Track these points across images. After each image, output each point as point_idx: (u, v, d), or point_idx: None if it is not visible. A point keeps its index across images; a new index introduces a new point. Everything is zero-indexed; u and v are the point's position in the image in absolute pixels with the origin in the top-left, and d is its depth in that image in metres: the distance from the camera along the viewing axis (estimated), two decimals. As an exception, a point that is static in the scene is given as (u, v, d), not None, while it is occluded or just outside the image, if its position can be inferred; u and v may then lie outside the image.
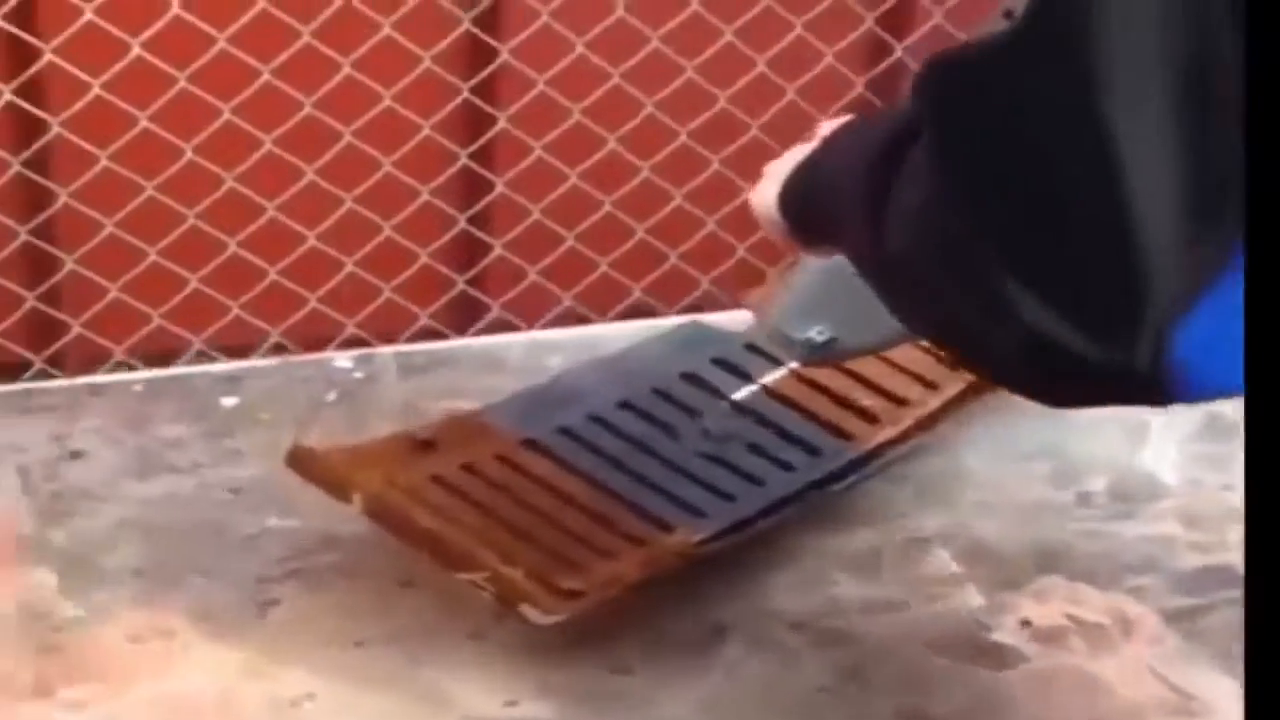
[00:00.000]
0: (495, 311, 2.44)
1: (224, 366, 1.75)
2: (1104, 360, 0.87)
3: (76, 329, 2.21)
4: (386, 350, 1.78)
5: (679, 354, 1.70)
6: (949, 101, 0.94)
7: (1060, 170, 0.88)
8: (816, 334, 1.32)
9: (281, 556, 1.49)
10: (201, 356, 2.14)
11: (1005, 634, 1.47)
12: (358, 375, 1.75)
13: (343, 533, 1.50)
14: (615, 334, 1.86)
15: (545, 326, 2.16)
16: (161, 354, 2.09)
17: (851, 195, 1.02)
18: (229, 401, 1.69)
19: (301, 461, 1.44)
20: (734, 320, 1.76)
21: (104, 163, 2.14)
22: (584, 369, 1.72)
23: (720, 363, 1.69)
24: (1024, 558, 1.57)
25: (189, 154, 2.17)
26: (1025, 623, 1.48)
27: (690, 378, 1.67)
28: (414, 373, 1.77)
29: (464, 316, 2.47)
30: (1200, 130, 0.86)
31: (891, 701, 1.39)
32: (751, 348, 1.71)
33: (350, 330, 2.30)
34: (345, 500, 1.43)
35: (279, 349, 2.13)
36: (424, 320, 2.37)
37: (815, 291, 1.29)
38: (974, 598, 1.51)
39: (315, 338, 2.08)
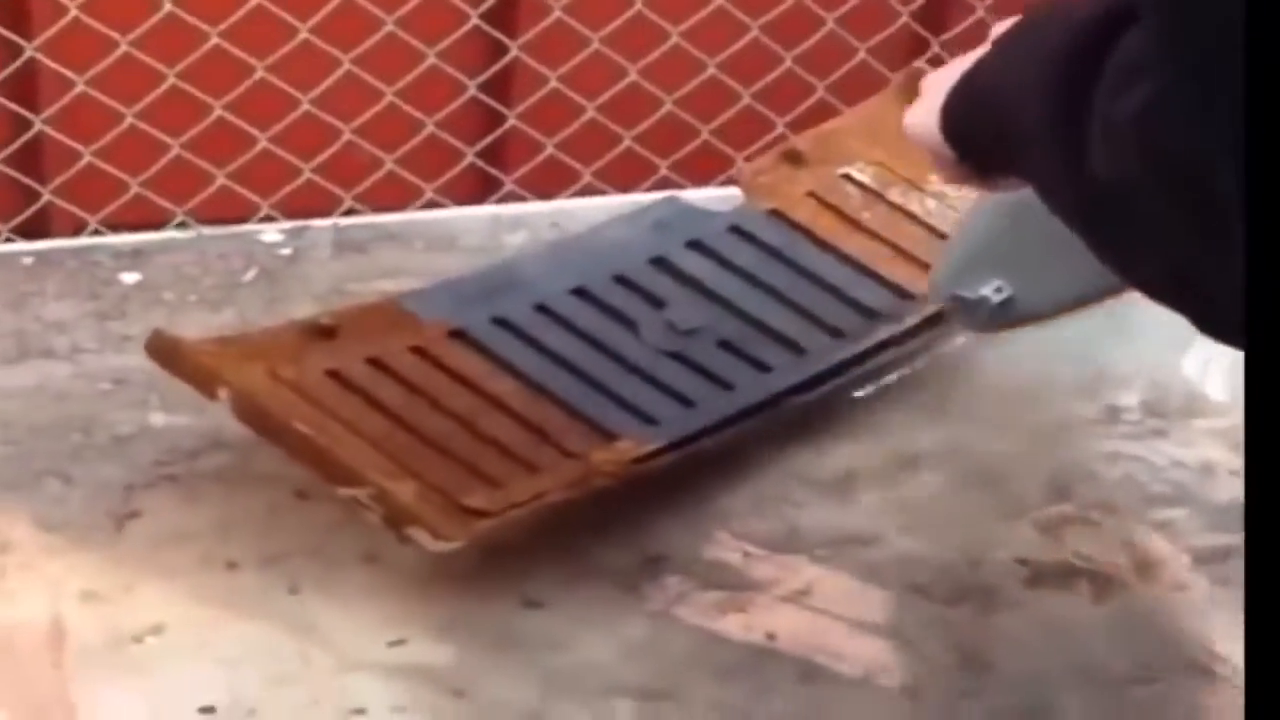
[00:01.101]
0: (508, 186, 2.25)
1: (130, 238, 1.55)
2: None
3: (46, 195, 2.05)
4: (323, 223, 1.57)
5: (650, 235, 1.48)
6: None
7: None
8: (993, 292, 1.12)
9: (157, 459, 1.30)
10: (182, 229, 1.97)
11: (996, 574, 1.26)
12: (284, 251, 1.54)
13: (235, 434, 1.29)
14: (589, 209, 1.64)
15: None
16: (145, 227, 1.92)
17: (1038, 109, 0.86)
18: (130, 278, 1.48)
19: (162, 351, 1.24)
20: (719, 198, 1.54)
21: (74, 13, 1.97)
22: (538, 250, 1.50)
23: (697, 246, 1.47)
24: (1031, 483, 1.35)
25: (168, 6, 1.99)
26: (1024, 561, 1.26)
27: (660, 263, 1.45)
28: (351, 250, 1.55)
29: (475, 193, 2.28)
30: None
31: (854, 654, 1.19)
32: (736, 229, 1.49)
33: (349, 204, 2.11)
34: (211, 396, 1.22)
35: (268, 221, 1.95)
36: (429, 195, 2.18)
37: (993, 237, 1.11)
38: (964, 530, 1.30)
39: (313, 213, 1.90)
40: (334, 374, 1.27)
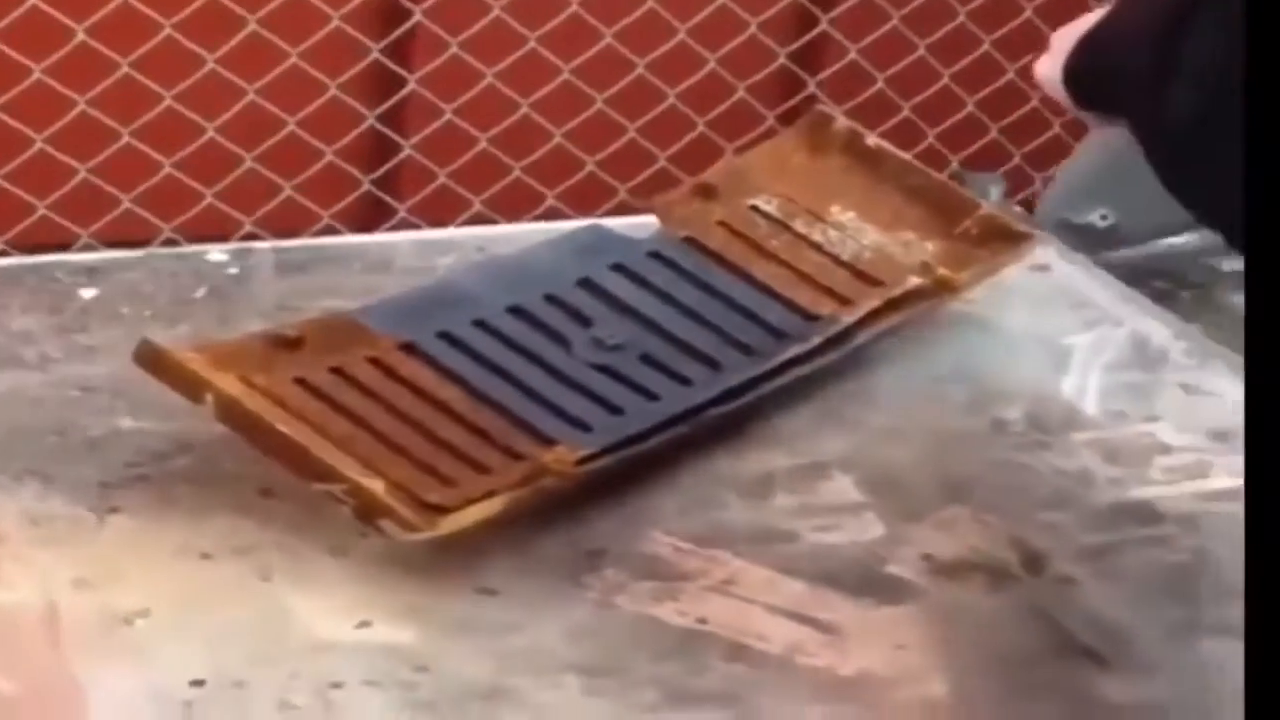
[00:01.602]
0: (401, 214, 2.36)
1: (85, 256, 1.64)
2: None
3: (-46, 216, 2.11)
4: (264, 245, 1.67)
5: (576, 259, 1.59)
6: None
7: None
8: (1099, 218, 1.21)
9: (129, 460, 1.38)
10: (87, 250, 2.05)
11: (903, 567, 1.37)
12: (231, 271, 1.63)
13: (199, 436, 1.39)
14: (513, 235, 1.75)
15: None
16: (49, 247, 1.99)
17: (1139, 56, 0.96)
18: (87, 294, 1.57)
19: (150, 358, 1.33)
20: (638, 225, 1.66)
21: (-11, 42, 2.04)
22: (472, 271, 1.61)
23: (619, 269, 1.58)
24: (930, 487, 1.47)
25: (80, 35, 2.07)
26: (926, 556, 1.39)
27: (586, 284, 1.56)
28: (292, 270, 1.65)
29: (369, 219, 2.38)
30: None
31: (775, 635, 1.29)
32: (655, 255, 1.60)
33: (248, 229, 2.21)
34: (197, 401, 1.32)
35: (172, 245, 2.04)
36: (326, 221, 2.28)
37: (1102, 169, 1.18)
38: (873, 528, 1.41)
39: (211, 236, 1.99)
40: (301, 381, 1.37)
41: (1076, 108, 1.13)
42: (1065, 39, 1.12)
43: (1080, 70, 1.11)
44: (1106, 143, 1.13)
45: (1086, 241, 1.24)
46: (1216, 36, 0.89)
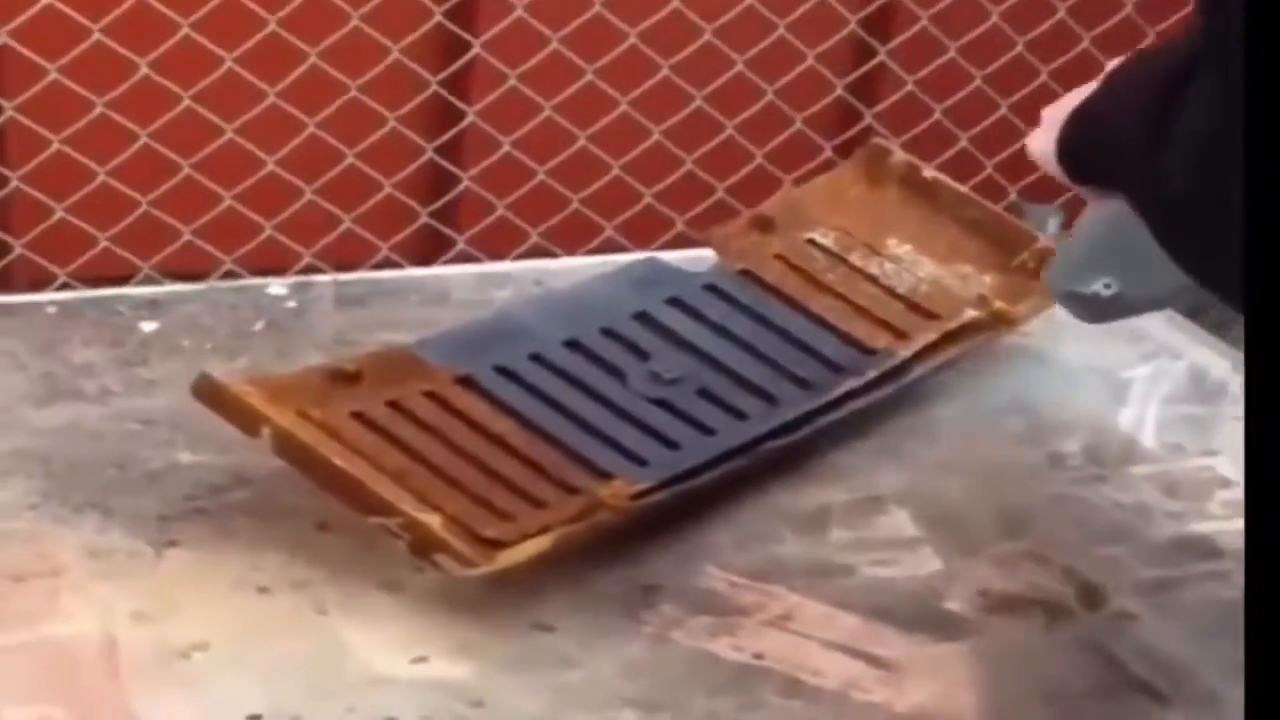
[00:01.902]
0: (460, 246, 2.36)
1: (146, 290, 1.65)
2: None
3: (19, 250, 2.13)
4: (324, 279, 1.67)
5: (632, 292, 1.59)
6: (1243, 26, 0.85)
7: None
8: (1103, 287, 1.23)
9: (187, 494, 1.39)
10: (150, 281, 2.06)
11: (960, 603, 1.37)
12: (290, 304, 1.64)
13: (257, 470, 1.40)
14: (570, 269, 1.75)
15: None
16: (110, 279, 2.00)
17: (1130, 131, 0.98)
18: (148, 327, 1.58)
19: (208, 392, 1.34)
20: (695, 259, 1.66)
21: (54, 75, 2.05)
22: (529, 304, 1.61)
23: (676, 303, 1.59)
24: (986, 522, 1.46)
25: (143, 70, 2.08)
26: (983, 592, 1.38)
27: (643, 317, 1.57)
28: (351, 304, 1.66)
29: (427, 251, 2.39)
30: None
31: (831, 671, 1.29)
32: (710, 288, 1.61)
33: (307, 261, 2.22)
34: (254, 435, 1.33)
35: (232, 278, 2.05)
36: (384, 253, 2.29)
37: (1100, 241, 1.20)
38: (929, 563, 1.41)
39: (270, 269, 2.00)
40: (358, 415, 1.38)
41: (1071, 182, 1.14)
42: (1057, 114, 1.13)
43: (1073, 144, 1.12)
44: (1104, 214, 1.14)
45: (1092, 311, 1.26)
46: (1208, 107, 0.90)
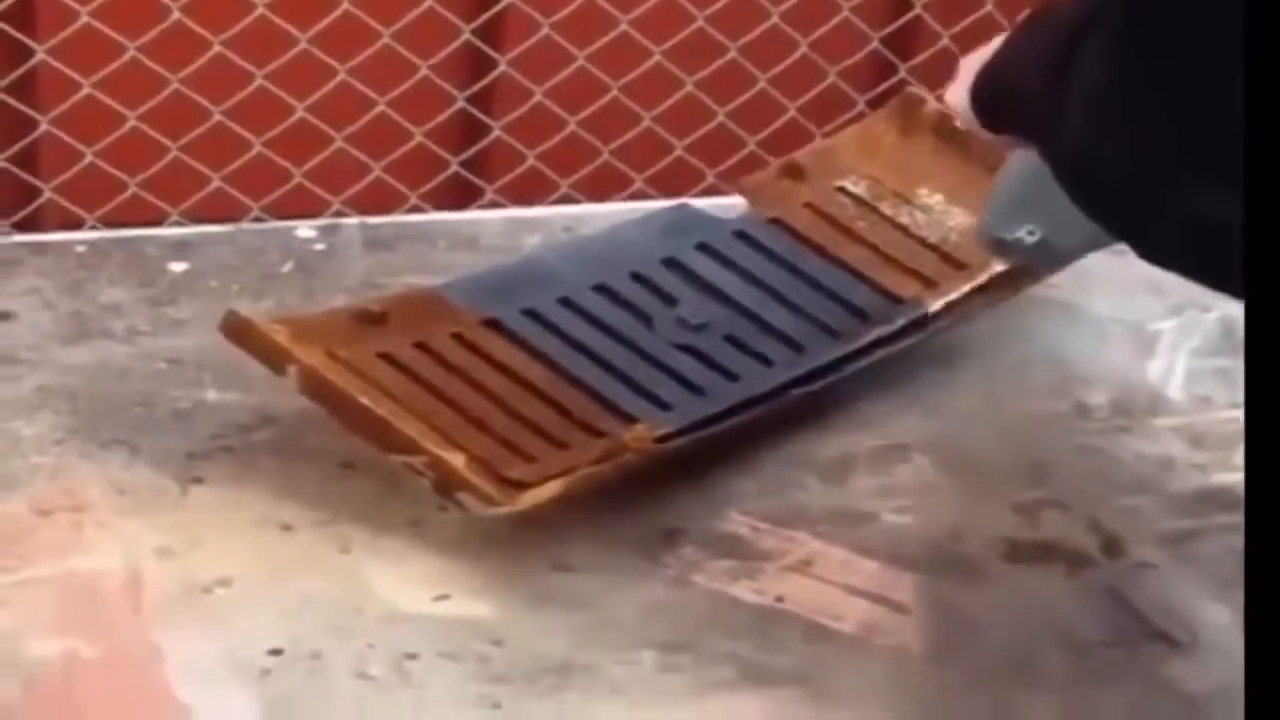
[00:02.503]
0: (490, 195, 2.36)
1: (175, 231, 1.65)
2: None
3: (48, 193, 2.13)
4: (352, 221, 1.68)
5: (662, 238, 1.59)
6: None
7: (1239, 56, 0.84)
8: (1026, 234, 1.25)
9: (214, 432, 1.40)
10: (177, 225, 2.06)
11: (981, 550, 1.37)
12: (319, 247, 1.65)
13: (283, 409, 1.40)
14: (600, 214, 1.75)
15: (539, 211, 2.06)
16: (139, 224, 2.01)
17: (1034, 83, 1.01)
18: (177, 267, 1.59)
19: (235, 329, 1.34)
20: (725, 206, 1.66)
21: (85, 19, 2.05)
22: (558, 249, 1.61)
23: (705, 249, 1.58)
24: (1011, 471, 1.46)
25: (175, 13, 2.08)
26: (1004, 539, 1.38)
27: (672, 263, 1.56)
28: (379, 246, 1.66)
29: (457, 200, 2.39)
30: None
31: (853, 615, 1.30)
32: (740, 234, 1.60)
33: (336, 207, 2.22)
34: (280, 373, 1.33)
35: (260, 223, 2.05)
36: (414, 201, 2.29)
37: (1023, 189, 1.21)
38: (951, 511, 1.41)
39: (299, 216, 2.00)
40: (385, 355, 1.38)
41: (987, 131, 1.17)
42: (972, 65, 1.16)
43: (984, 96, 1.15)
44: (1025, 162, 1.15)
45: (1020, 257, 1.27)
46: (1099, 61, 0.93)
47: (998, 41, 1.16)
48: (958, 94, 1.18)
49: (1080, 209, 1.02)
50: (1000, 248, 1.29)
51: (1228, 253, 0.87)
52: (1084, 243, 1.23)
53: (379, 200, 2.19)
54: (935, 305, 1.57)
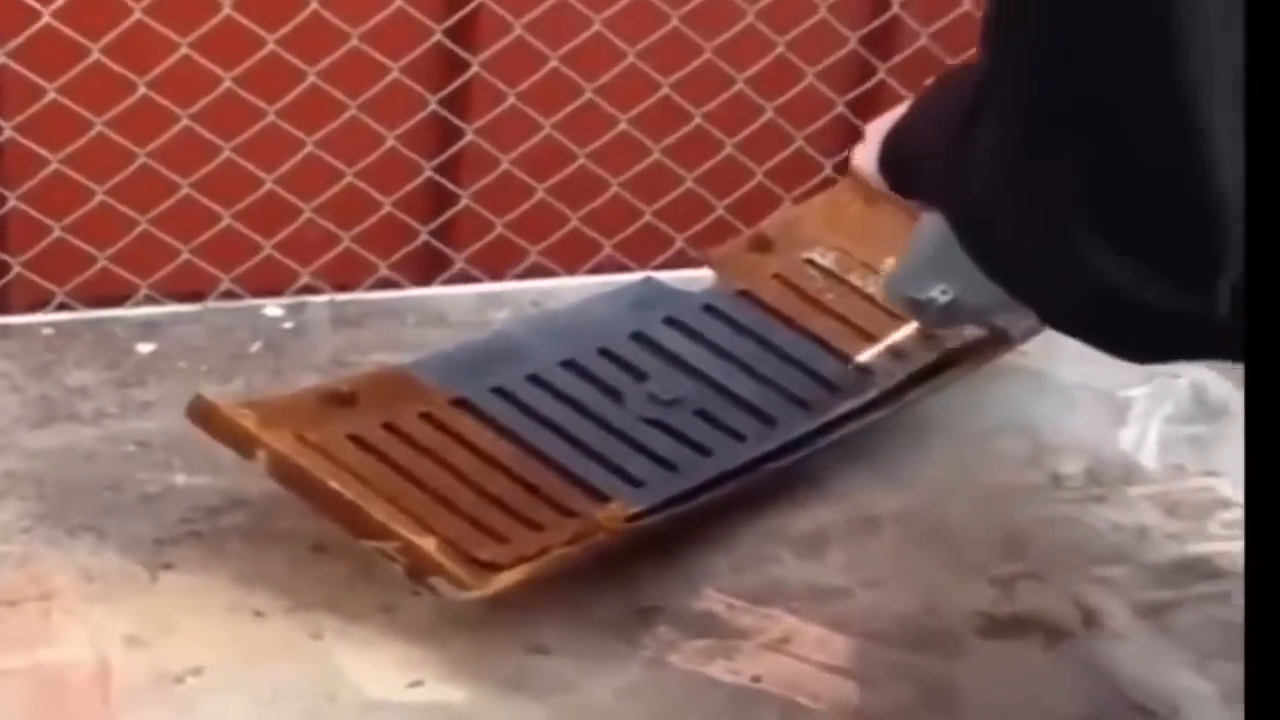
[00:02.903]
0: (459, 264, 2.34)
1: (143, 311, 1.64)
2: (1180, 309, 0.87)
3: (16, 269, 2.12)
4: (319, 299, 1.67)
5: (630, 312, 1.59)
6: (1024, 48, 0.94)
7: (1139, 120, 0.88)
8: (939, 293, 1.25)
9: (183, 516, 1.39)
10: (149, 301, 2.05)
11: (958, 625, 1.36)
12: (287, 325, 1.64)
13: (252, 492, 1.39)
14: (567, 288, 1.75)
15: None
16: (108, 298, 1.99)
17: (937, 146, 1.02)
18: (145, 348, 1.58)
19: (203, 415, 1.33)
20: (691, 279, 1.65)
21: (52, 94, 2.04)
22: (526, 325, 1.61)
23: (674, 323, 1.58)
24: (986, 543, 1.46)
25: (142, 89, 2.07)
26: (982, 614, 1.37)
27: (640, 338, 1.56)
28: (348, 324, 1.66)
29: (426, 270, 2.37)
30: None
31: (831, 695, 1.28)
32: (709, 308, 1.60)
33: (305, 279, 2.20)
34: (249, 458, 1.32)
35: (230, 298, 2.04)
36: (383, 271, 2.27)
37: (935, 250, 1.24)
38: (928, 585, 1.40)
39: (269, 287, 1.99)
40: (354, 437, 1.37)
41: (896, 193, 1.19)
42: (879, 129, 1.19)
43: (891, 160, 1.18)
44: (938, 223, 1.16)
45: (930, 316, 1.28)
46: (998, 128, 0.95)
47: (903, 107, 1.18)
48: (865, 158, 1.20)
49: (981, 270, 1.02)
50: (913, 307, 1.29)
51: (1119, 316, 0.90)
52: (995, 302, 1.23)
53: (348, 271, 2.17)
54: (905, 376, 1.56)
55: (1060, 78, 0.91)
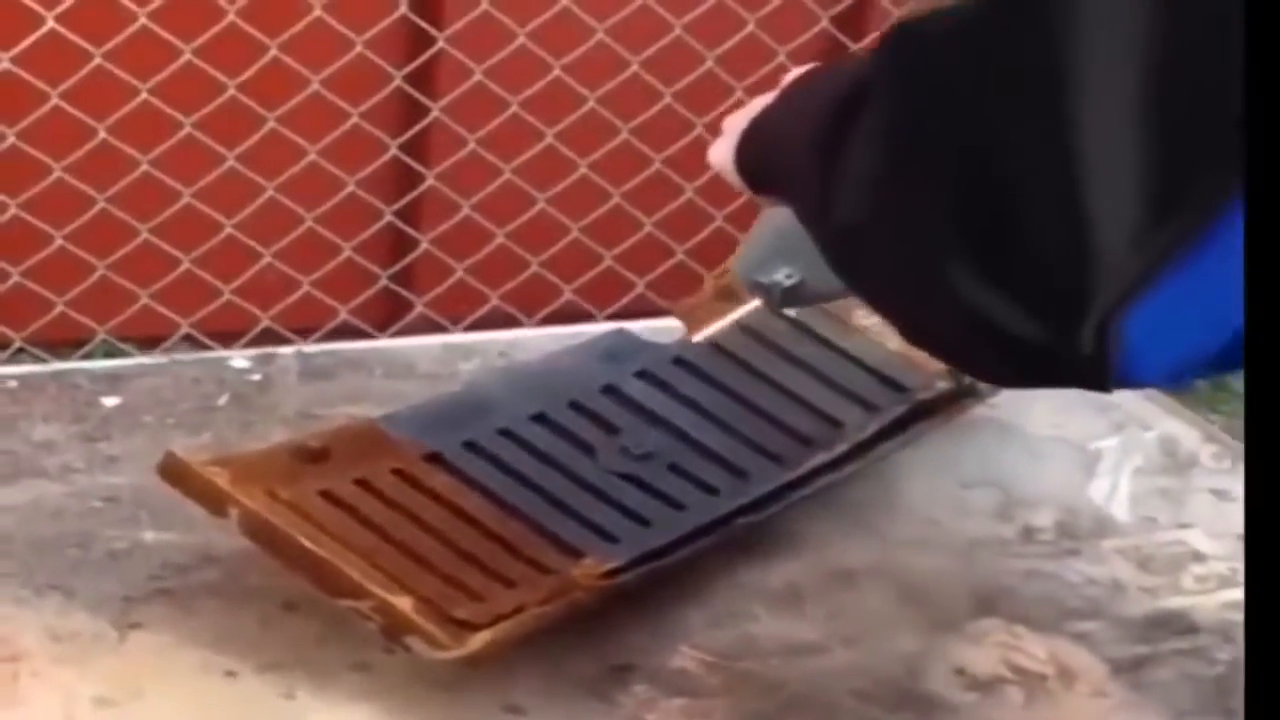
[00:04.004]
0: (419, 309, 2.35)
1: (107, 364, 1.63)
2: (1047, 343, 0.88)
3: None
4: (287, 350, 1.65)
5: (601, 365, 1.58)
6: (910, 75, 0.94)
7: (1015, 154, 0.88)
8: (785, 277, 1.25)
9: (152, 574, 1.37)
10: (105, 345, 2.04)
11: (937, 682, 1.36)
12: (254, 377, 1.62)
13: (223, 549, 1.37)
14: (535, 338, 1.74)
15: (470, 328, 2.05)
16: (65, 344, 1.98)
17: (801, 156, 1.01)
18: (110, 402, 1.56)
19: (174, 473, 1.32)
20: (662, 330, 1.65)
21: (11, 139, 2.03)
22: (497, 378, 1.60)
23: (645, 375, 1.57)
24: (961, 598, 1.45)
25: (102, 134, 2.06)
26: (959, 670, 1.37)
27: (611, 391, 1.55)
28: (316, 376, 1.64)
29: (387, 314, 2.37)
30: (1167, 119, 0.85)
31: (810, 754, 1.27)
32: (679, 361, 1.59)
33: (265, 324, 2.20)
34: (221, 515, 1.31)
35: (190, 342, 2.03)
36: (344, 316, 2.27)
37: (781, 236, 1.20)
38: (904, 641, 1.40)
39: (228, 332, 1.98)
40: (326, 494, 1.36)
41: (750, 192, 1.16)
42: (735, 125, 1.15)
43: (747, 158, 1.13)
44: (786, 215, 1.15)
45: (777, 298, 1.29)
46: (874, 148, 0.94)
47: (761, 102, 1.14)
48: (721, 153, 1.16)
49: (846, 285, 1.03)
50: (759, 290, 1.29)
51: (985, 344, 0.91)
52: (841, 288, 1.24)
53: (308, 315, 2.17)
54: (876, 429, 1.56)
55: (946, 119, 0.91)
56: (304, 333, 1.99)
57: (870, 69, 0.97)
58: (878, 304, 1.02)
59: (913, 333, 1.00)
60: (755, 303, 1.65)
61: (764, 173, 1.13)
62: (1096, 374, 0.88)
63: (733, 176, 1.16)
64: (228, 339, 1.85)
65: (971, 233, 0.89)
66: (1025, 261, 0.88)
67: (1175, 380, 0.93)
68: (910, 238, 0.93)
